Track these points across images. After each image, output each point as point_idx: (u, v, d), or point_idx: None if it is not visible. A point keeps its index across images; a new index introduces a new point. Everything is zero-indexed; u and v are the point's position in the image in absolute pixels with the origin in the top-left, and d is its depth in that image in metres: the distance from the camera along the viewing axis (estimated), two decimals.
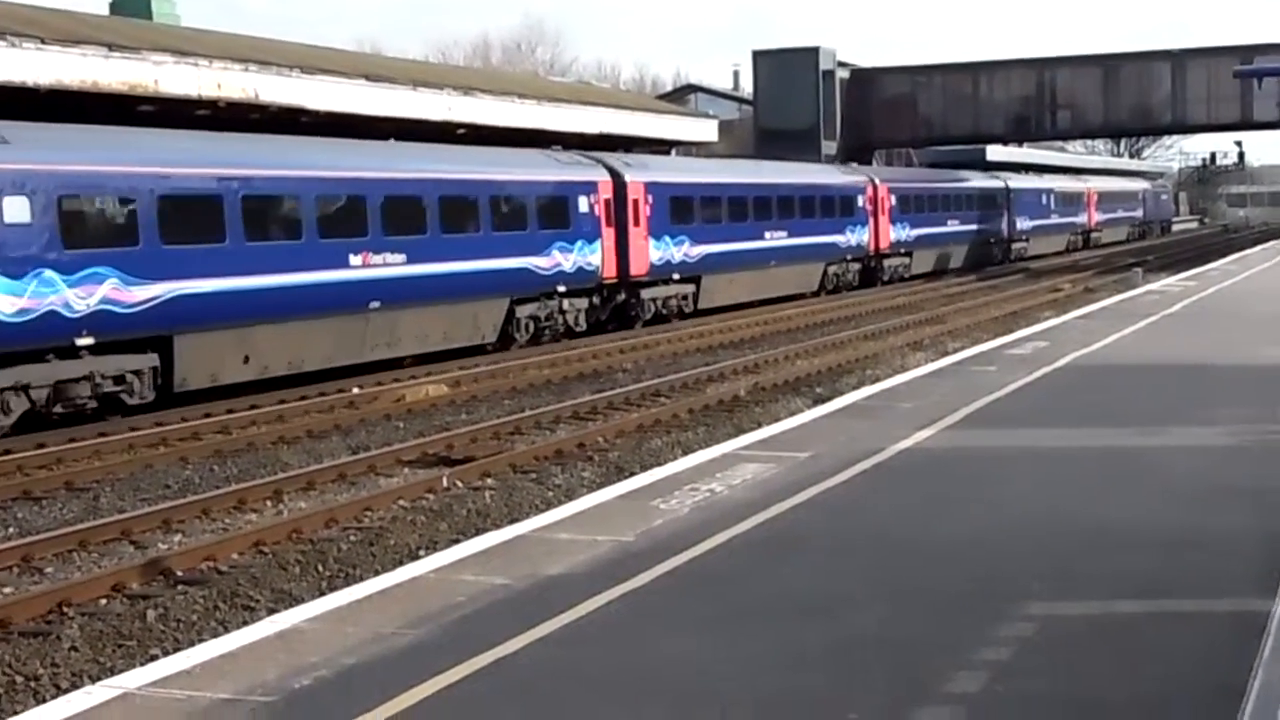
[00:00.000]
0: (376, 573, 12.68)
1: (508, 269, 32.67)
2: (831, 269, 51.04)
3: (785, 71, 64.78)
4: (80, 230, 22.63)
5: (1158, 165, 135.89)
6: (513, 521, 14.33)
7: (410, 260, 29.38)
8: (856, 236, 52.24)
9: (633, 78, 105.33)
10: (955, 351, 28.06)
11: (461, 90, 37.23)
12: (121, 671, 9.83)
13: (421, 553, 13.83)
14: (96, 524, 15.63)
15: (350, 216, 28.20)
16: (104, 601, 12.82)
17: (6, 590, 13.38)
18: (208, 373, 25.02)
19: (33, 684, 10.74)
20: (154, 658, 10.60)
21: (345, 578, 13.33)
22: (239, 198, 25.43)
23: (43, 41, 24.84)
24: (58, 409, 22.40)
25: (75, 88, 25.45)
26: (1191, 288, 40.26)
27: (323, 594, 11.90)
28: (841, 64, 67.10)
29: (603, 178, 36.95)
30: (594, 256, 36.04)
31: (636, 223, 37.75)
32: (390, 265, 28.86)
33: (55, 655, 11.27)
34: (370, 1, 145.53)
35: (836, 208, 50.69)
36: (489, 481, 17.90)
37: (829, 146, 64.10)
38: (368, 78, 33.59)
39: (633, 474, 16.56)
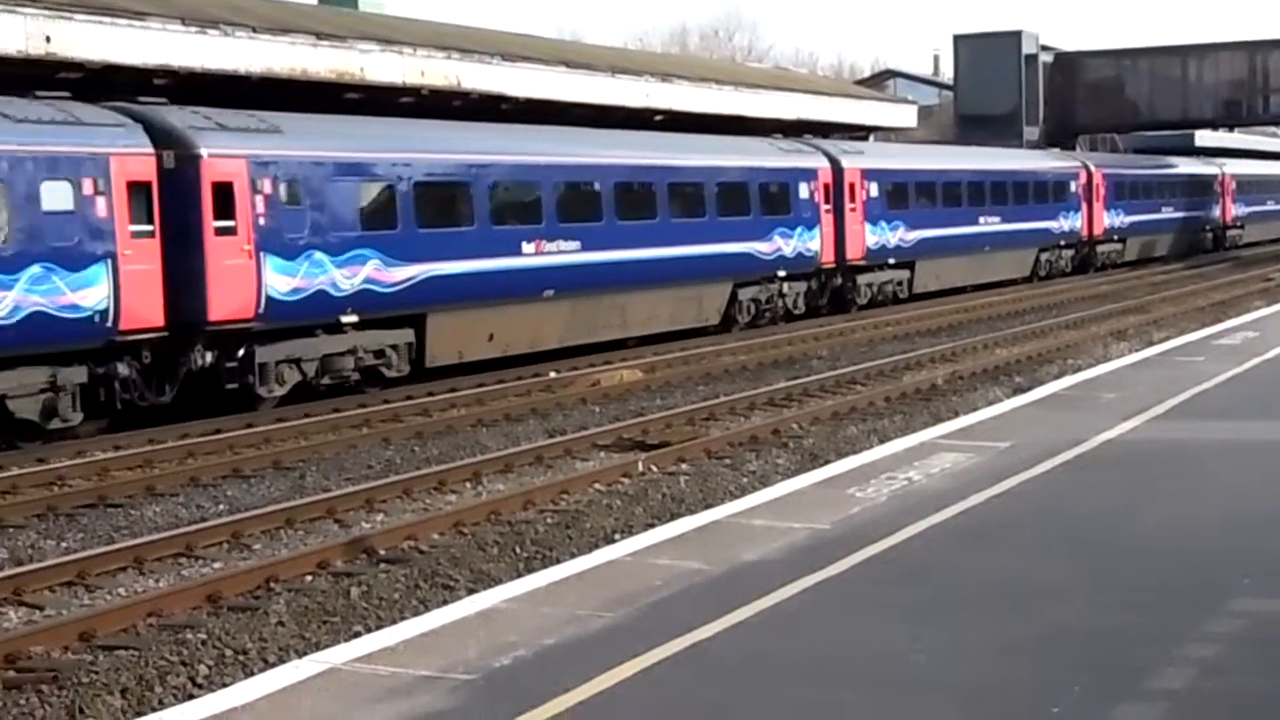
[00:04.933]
0: (573, 555, 12.79)
1: (1039, 229, 49.70)
2: (1205, 234, 67.38)
3: (987, 56, 63.76)
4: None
5: None
6: (707, 507, 14.35)
7: (1002, 221, 46.13)
8: (1212, 211, 67.87)
9: (830, 64, 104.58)
10: (1160, 341, 27.43)
11: (659, 77, 37.32)
12: (326, 647, 10.03)
13: (617, 536, 13.92)
14: (302, 502, 16.01)
15: (980, 193, 45.19)
16: (309, 578, 13.11)
17: (217, 565, 13.78)
18: (935, 282, 42.29)
19: (241, 657, 11.00)
20: (357, 634, 10.80)
21: (542, 559, 13.45)
22: (940, 184, 43.11)
23: (254, 31, 25.46)
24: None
25: (285, 75, 26.07)
26: None
27: (520, 575, 12.03)
28: (1044, 48, 65.84)
29: (1079, 167, 53.73)
30: (1074, 221, 52.56)
31: (1098, 199, 54.06)
32: (993, 224, 45.63)
33: (263, 630, 11.53)
34: None
35: (1203, 189, 66.72)
36: (683, 467, 17.93)
37: (1030, 132, 62.99)
38: (567, 64, 33.84)
39: (828, 461, 16.46)
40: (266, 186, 22.39)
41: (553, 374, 27.06)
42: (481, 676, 8.00)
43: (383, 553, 13.83)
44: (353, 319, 23.93)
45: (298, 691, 7.89)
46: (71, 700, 9.75)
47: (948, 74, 75.27)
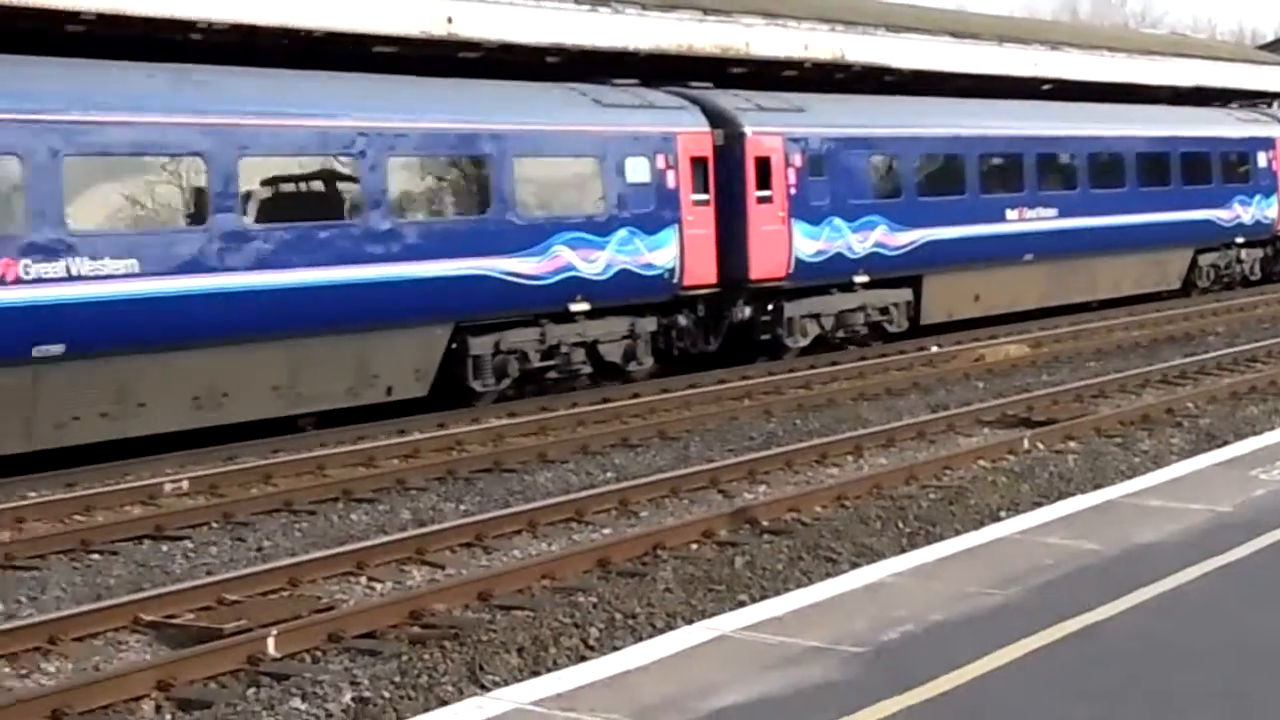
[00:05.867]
0: (957, 532, 12.62)
1: None
2: None
3: None
4: None
5: None
6: (1097, 487, 13.98)
7: None
8: None
9: (1230, 29, 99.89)
10: None
11: (1048, 45, 36.35)
12: (712, 614, 10.15)
13: (1003, 514, 13.67)
14: (687, 472, 16.26)
15: None
16: (694, 546, 13.29)
17: (606, 531, 14.13)
18: None
19: (630, 622, 11.23)
20: (741, 603, 10.89)
21: (925, 535, 13.32)
22: None
23: (643, 8, 25.85)
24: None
25: (672, 51, 26.41)
26: None
27: (904, 550, 11.96)
28: None
29: None
30: None
31: None
32: None
33: (651, 595, 11.73)
34: None
35: None
36: (1071, 445, 17.50)
37: None
38: (952, 34, 33.28)
39: (1226, 442, 15.86)
40: (796, 160, 25.37)
41: (934, 348, 26.79)
42: (871, 649, 7.98)
43: (765, 524, 13.93)
44: (863, 279, 26.71)
45: (690, 657, 8.02)
46: (472, 657, 10.13)
47: None
